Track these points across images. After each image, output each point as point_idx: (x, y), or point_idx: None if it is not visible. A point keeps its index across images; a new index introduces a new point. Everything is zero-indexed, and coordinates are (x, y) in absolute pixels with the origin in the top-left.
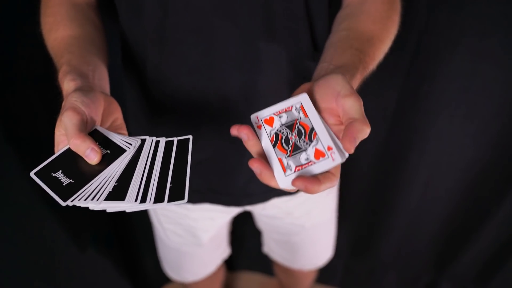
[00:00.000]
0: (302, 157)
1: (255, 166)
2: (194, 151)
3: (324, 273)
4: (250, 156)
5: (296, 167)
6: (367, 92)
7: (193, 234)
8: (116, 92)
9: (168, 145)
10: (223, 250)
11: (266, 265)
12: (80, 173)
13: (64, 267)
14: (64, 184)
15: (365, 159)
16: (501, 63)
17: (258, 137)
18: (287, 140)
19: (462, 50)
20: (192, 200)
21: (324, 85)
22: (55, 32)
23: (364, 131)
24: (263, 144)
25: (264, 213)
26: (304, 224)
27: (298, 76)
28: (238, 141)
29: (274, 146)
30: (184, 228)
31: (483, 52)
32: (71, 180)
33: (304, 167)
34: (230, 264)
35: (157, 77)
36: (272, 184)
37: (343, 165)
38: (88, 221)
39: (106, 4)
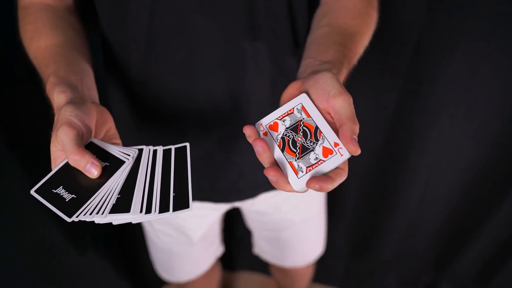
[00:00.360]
0: (312, 157)
1: (272, 174)
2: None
3: (324, 273)
4: (238, 153)
5: (307, 168)
6: (367, 92)
7: (184, 233)
8: (99, 94)
9: (166, 153)
10: (216, 248)
11: (265, 265)
12: (81, 187)
13: (63, 267)
14: (66, 200)
15: (365, 159)
16: (501, 63)
17: (271, 149)
18: (294, 143)
19: (462, 50)
20: None
21: (314, 86)
22: (37, 41)
23: (355, 130)
24: (271, 150)
25: (253, 209)
26: (293, 219)
27: (280, 73)
28: (225, 140)
29: (282, 150)
30: (175, 228)
31: (483, 52)
32: (73, 196)
33: (315, 167)
34: (230, 264)
35: (143, 78)
36: (287, 189)
37: None
38: (88, 222)
39: (85, 7)
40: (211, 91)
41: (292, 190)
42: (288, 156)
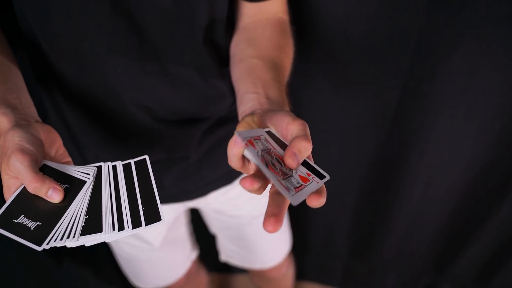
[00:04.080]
0: (294, 181)
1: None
2: (128, 158)
3: (324, 273)
4: (182, 159)
5: (295, 189)
6: (367, 92)
7: (145, 240)
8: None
9: (126, 168)
10: (189, 251)
11: None
12: (45, 213)
13: (51, 275)
14: (32, 229)
15: (365, 159)
16: (501, 63)
17: (256, 162)
18: (273, 165)
19: (462, 50)
20: None
21: (274, 118)
22: None
23: (305, 148)
24: (256, 163)
25: (210, 207)
26: (252, 213)
27: (210, 88)
28: (169, 150)
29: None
30: (135, 237)
31: (483, 52)
32: (38, 223)
33: (300, 189)
34: (228, 267)
35: (78, 96)
36: (286, 205)
37: (344, 165)
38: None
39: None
40: (150, 109)
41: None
42: (275, 175)
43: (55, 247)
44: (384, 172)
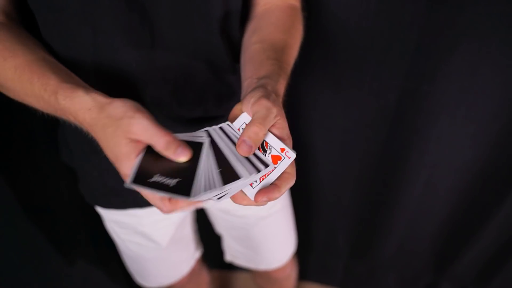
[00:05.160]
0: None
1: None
2: None
3: (324, 273)
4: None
5: (260, 178)
6: (368, 92)
7: (151, 239)
8: None
9: (228, 128)
10: (193, 250)
11: None
12: (179, 171)
13: (56, 273)
14: (171, 185)
15: (365, 159)
16: (501, 63)
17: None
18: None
19: (462, 50)
20: (140, 204)
21: (244, 102)
22: (13, 59)
23: (254, 133)
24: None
25: (217, 207)
26: (259, 213)
27: (223, 85)
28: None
29: None
30: (142, 236)
31: (483, 52)
32: (178, 179)
33: (267, 175)
34: (229, 265)
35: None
36: (245, 202)
37: (344, 165)
38: (83, 224)
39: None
40: (163, 105)
41: (251, 203)
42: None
43: (61, 244)
44: (384, 172)
